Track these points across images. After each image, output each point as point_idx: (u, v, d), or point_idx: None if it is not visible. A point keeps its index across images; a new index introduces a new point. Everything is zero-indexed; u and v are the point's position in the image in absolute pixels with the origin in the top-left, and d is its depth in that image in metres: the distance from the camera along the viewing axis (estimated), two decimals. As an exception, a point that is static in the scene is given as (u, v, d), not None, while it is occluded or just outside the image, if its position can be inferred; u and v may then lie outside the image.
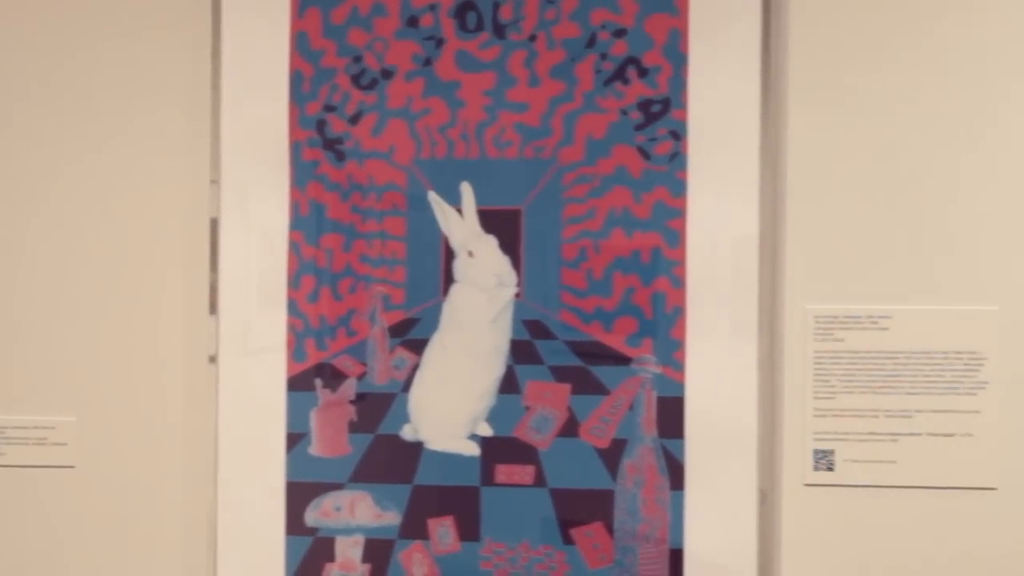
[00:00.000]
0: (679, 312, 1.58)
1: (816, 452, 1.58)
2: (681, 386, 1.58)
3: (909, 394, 1.56)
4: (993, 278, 1.56)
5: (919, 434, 1.57)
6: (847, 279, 1.58)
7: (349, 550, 1.62)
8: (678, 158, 1.58)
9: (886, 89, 1.57)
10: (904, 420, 1.57)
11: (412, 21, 1.61)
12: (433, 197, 1.61)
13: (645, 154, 1.58)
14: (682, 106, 1.58)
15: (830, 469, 1.58)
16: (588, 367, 1.59)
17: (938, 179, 1.56)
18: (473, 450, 1.60)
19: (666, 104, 1.58)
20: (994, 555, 1.56)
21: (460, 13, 1.61)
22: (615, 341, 1.59)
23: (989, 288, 1.56)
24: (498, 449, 1.60)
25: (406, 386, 1.61)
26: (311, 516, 1.62)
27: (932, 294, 1.57)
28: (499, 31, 1.60)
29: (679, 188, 1.58)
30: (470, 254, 1.60)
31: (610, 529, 1.59)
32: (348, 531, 1.62)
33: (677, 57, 1.58)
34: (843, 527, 1.59)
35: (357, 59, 1.62)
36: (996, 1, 1.56)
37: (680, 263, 1.58)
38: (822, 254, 1.58)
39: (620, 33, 1.59)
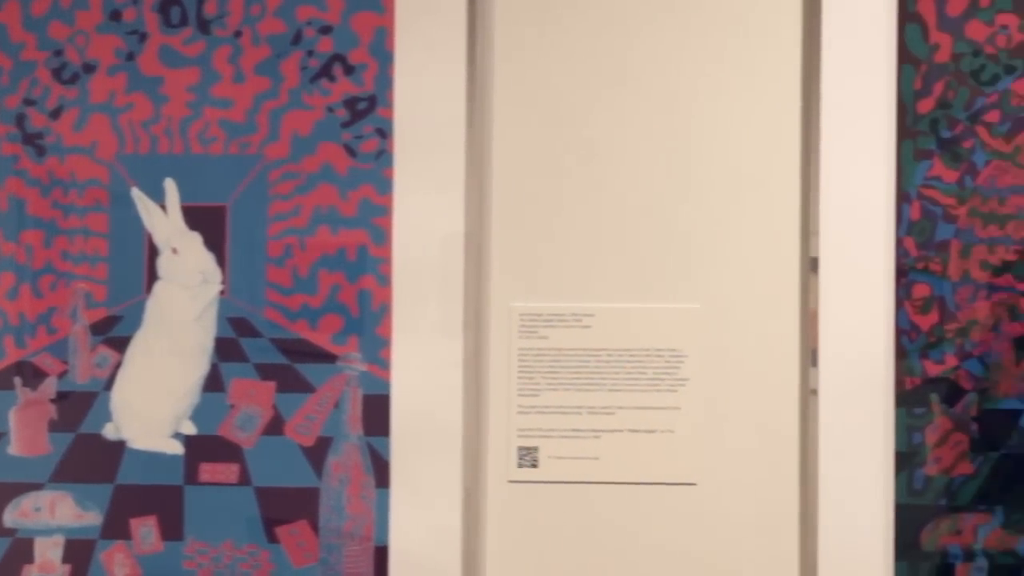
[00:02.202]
0: (385, 310, 1.58)
1: (520, 449, 1.59)
2: (387, 384, 1.58)
3: (611, 391, 1.58)
4: (695, 276, 1.58)
5: (621, 431, 1.58)
6: (552, 277, 1.59)
7: (49, 551, 1.60)
8: (384, 156, 1.58)
9: (591, 89, 1.58)
10: (607, 417, 1.58)
11: (115, 15, 1.60)
12: (136, 193, 1.60)
13: (351, 152, 1.59)
14: (388, 104, 1.58)
15: (534, 466, 1.59)
16: (293, 365, 1.59)
17: (642, 178, 1.58)
18: (176, 449, 1.59)
19: (372, 102, 1.59)
20: (694, 549, 1.59)
21: (164, 8, 1.59)
22: (321, 339, 1.59)
23: (691, 286, 1.58)
24: (202, 448, 1.59)
25: (108, 384, 1.60)
26: (9, 517, 1.60)
27: (635, 292, 1.59)
28: (203, 26, 1.60)
29: (385, 186, 1.58)
30: (174, 251, 1.59)
31: (315, 527, 1.59)
32: (48, 532, 1.60)
33: (383, 55, 1.58)
34: (547, 523, 1.60)
35: (58, 53, 1.60)
36: (705, 7, 1.58)
37: (386, 261, 1.58)
38: (527, 252, 1.59)
39: (326, 30, 1.59)
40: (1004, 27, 1.54)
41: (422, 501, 1.58)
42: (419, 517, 1.58)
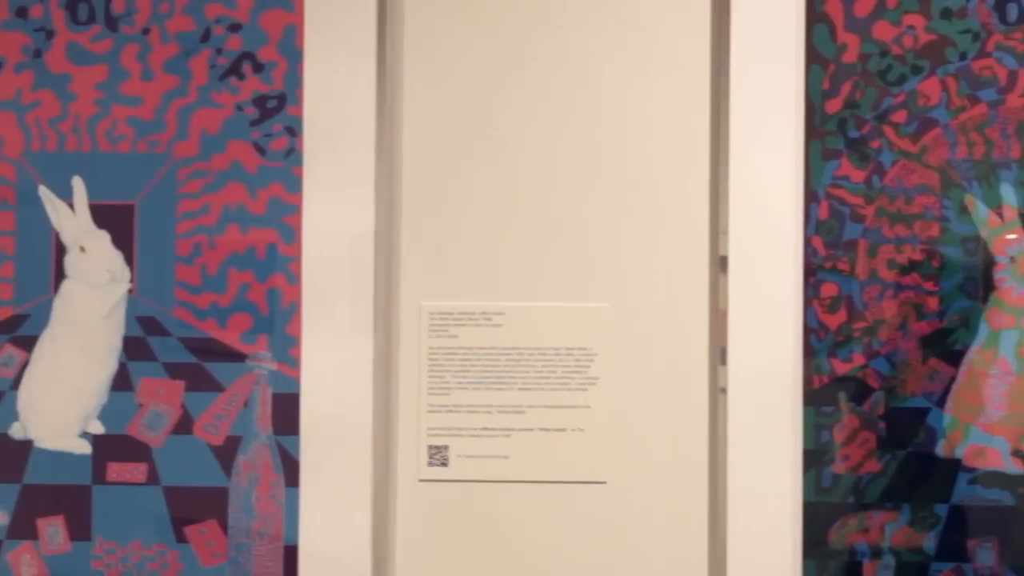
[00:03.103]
0: (295, 309, 1.58)
1: (430, 448, 1.59)
2: (296, 383, 1.58)
3: (522, 390, 1.59)
4: (604, 276, 1.59)
5: (531, 429, 1.59)
6: (462, 276, 1.59)
7: (-46, 552, 1.59)
8: (294, 154, 1.58)
9: (501, 89, 1.59)
10: (517, 416, 1.59)
11: (21, 12, 1.59)
12: (43, 191, 1.59)
13: (261, 150, 1.58)
14: (298, 102, 1.58)
15: (444, 464, 1.59)
16: (202, 364, 1.58)
17: (552, 179, 1.58)
18: (84, 448, 1.59)
19: (282, 100, 1.58)
20: (604, 547, 1.59)
21: (71, 5, 1.59)
22: (230, 338, 1.58)
23: (600, 285, 1.59)
24: (110, 447, 1.58)
25: (15, 384, 1.59)
26: (-85, 517, 1.60)
27: (545, 291, 1.59)
28: (112, 24, 1.59)
29: (295, 184, 1.58)
30: (82, 249, 1.58)
31: (224, 527, 1.58)
32: (-47, 532, 1.59)
33: (293, 53, 1.58)
34: (457, 521, 1.60)
35: (-36, 50, 1.60)
36: (614, 7, 1.59)
37: (296, 259, 1.58)
38: (437, 251, 1.59)
39: (235, 28, 1.58)
40: (911, 27, 1.55)
41: (332, 500, 1.57)
42: (329, 516, 1.57)
